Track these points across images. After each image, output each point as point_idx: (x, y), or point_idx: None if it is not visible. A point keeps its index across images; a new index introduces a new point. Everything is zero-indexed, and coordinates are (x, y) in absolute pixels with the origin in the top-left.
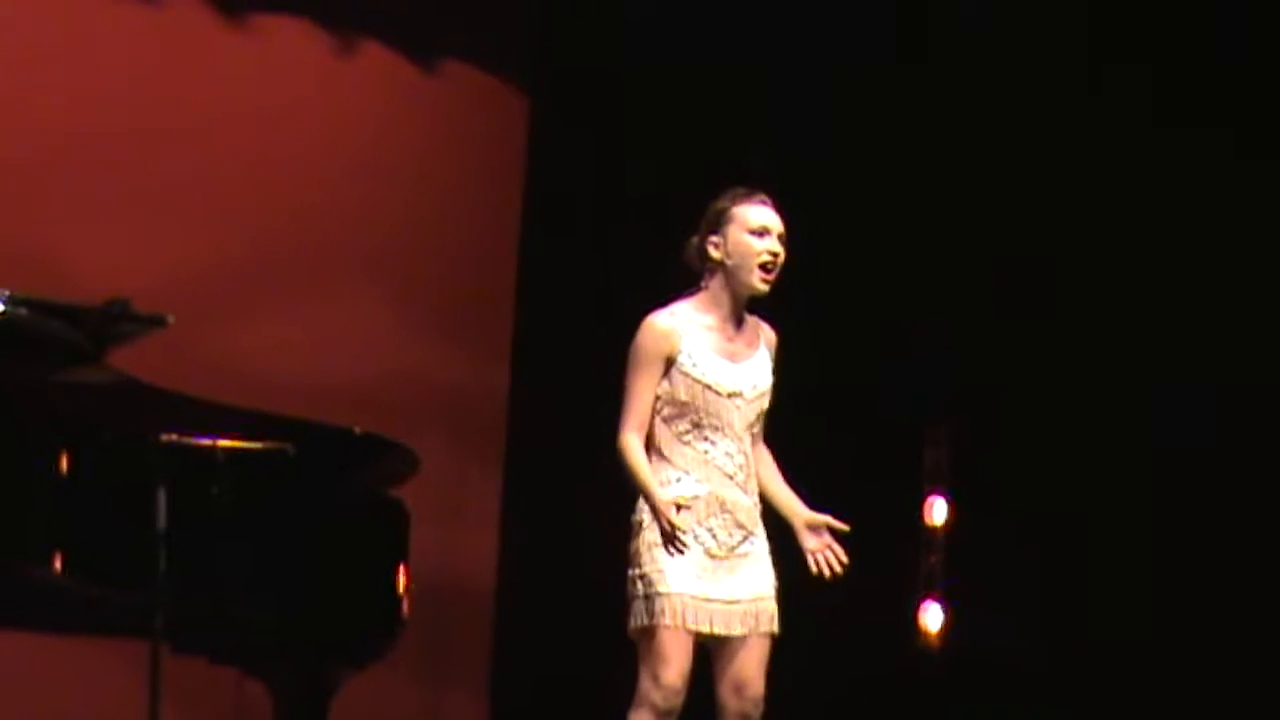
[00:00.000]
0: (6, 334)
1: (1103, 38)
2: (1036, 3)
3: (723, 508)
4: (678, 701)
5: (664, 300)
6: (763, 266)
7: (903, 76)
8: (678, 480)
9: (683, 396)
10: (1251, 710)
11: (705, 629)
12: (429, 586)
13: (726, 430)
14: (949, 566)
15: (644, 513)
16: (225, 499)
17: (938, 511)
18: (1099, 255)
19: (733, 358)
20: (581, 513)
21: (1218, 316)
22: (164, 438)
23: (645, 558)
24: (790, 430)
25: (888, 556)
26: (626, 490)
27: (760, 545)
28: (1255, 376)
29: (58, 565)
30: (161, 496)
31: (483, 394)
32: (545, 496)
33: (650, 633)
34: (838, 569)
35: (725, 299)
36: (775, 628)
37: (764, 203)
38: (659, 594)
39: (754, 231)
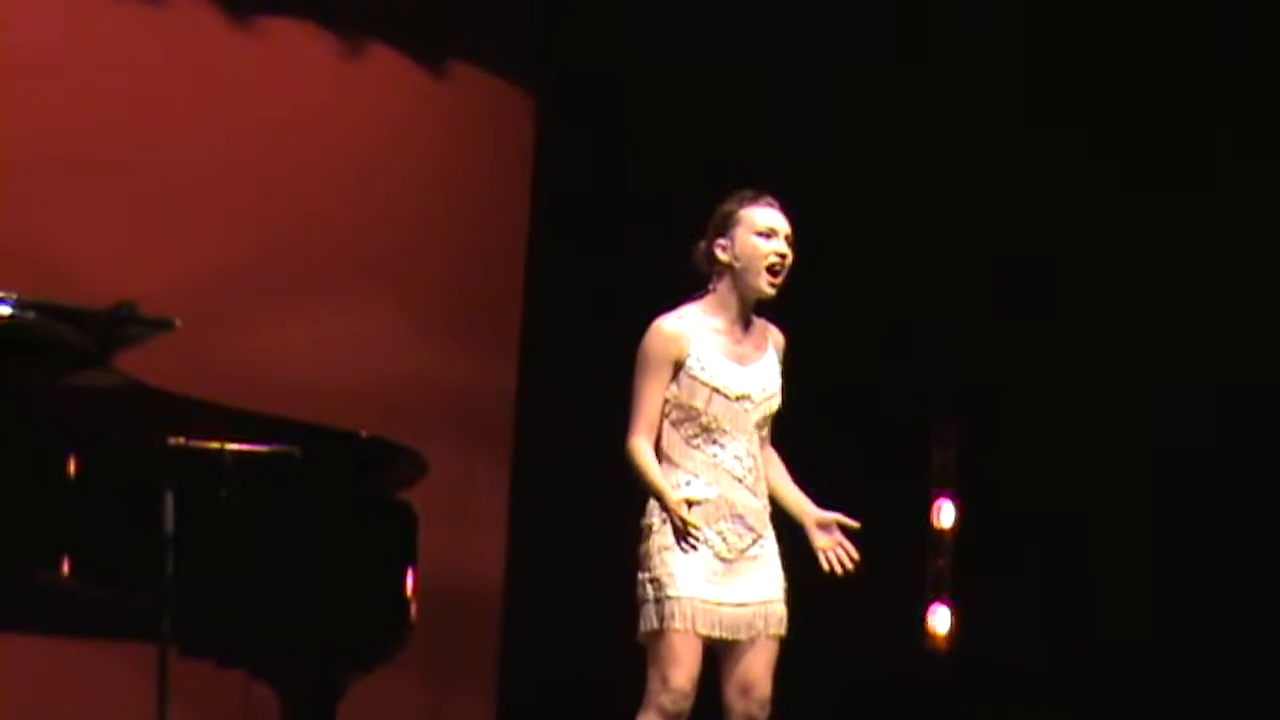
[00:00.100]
0: (13, 338)
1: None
2: (1037, 2)
3: (732, 511)
4: (686, 705)
5: (672, 302)
6: (770, 269)
7: (903, 76)
8: (687, 484)
9: (691, 400)
10: (1256, 710)
11: (715, 633)
12: (436, 589)
13: (735, 433)
14: (956, 568)
15: (654, 516)
16: (232, 502)
17: (945, 514)
18: (1101, 255)
19: (741, 360)
20: (589, 515)
21: (1218, 317)
22: (171, 441)
23: (656, 561)
24: (796, 432)
25: (895, 559)
26: (636, 493)
27: (770, 547)
28: (1256, 377)
29: (65, 568)
30: (169, 500)
31: (490, 396)
32: (553, 498)
33: (660, 636)
34: (850, 566)
35: (733, 302)
36: (784, 630)
37: (771, 205)
38: (669, 597)
39: (761, 233)
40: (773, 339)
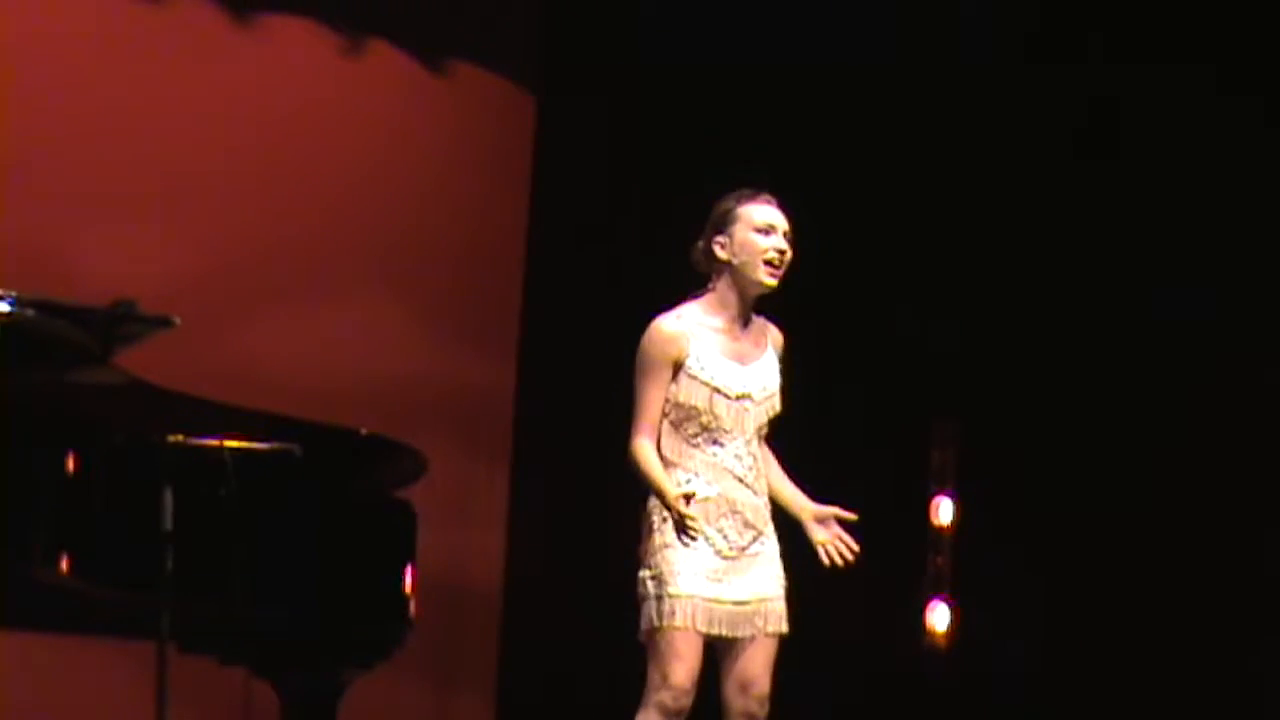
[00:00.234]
0: (14, 335)
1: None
2: (1037, 3)
3: (733, 509)
4: (686, 702)
5: (671, 301)
6: (769, 263)
7: (904, 77)
8: (687, 482)
9: (691, 400)
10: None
11: (716, 631)
12: (436, 587)
13: (735, 433)
14: (955, 566)
15: (656, 514)
16: (232, 500)
17: (944, 512)
18: (1104, 255)
19: (741, 360)
20: (589, 514)
21: (1218, 317)
22: (171, 439)
23: (657, 559)
24: (796, 431)
25: (894, 557)
26: (637, 492)
27: (770, 545)
28: (1256, 377)
29: (65, 565)
30: (168, 497)
31: (490, 395)
32: (553, 497)
33: (661, 633)
34: (849, 558)
35: (733, 300)
36: (784, 628)
37: (769, 201)
38: (670, 595)
39: (759, 229)
40: (772, 338)
